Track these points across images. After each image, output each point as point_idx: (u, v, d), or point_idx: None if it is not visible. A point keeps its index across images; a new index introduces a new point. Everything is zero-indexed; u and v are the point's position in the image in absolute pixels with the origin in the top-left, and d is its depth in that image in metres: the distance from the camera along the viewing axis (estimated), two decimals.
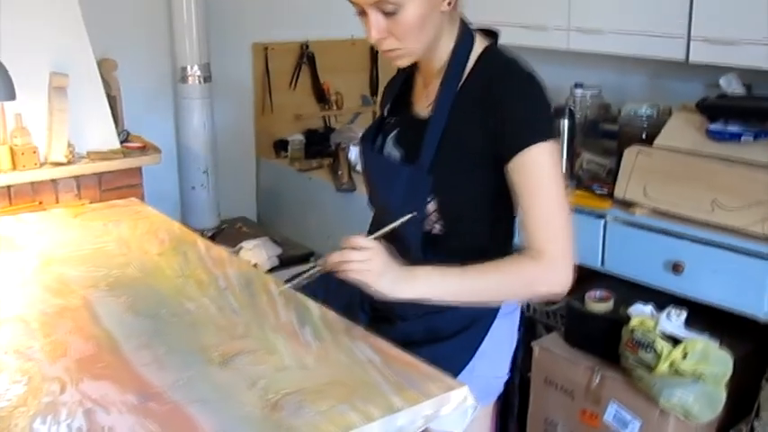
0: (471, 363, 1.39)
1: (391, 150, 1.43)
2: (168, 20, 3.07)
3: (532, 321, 3.01)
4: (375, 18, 1.24)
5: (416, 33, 1.26)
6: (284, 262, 3.12)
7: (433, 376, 1.22)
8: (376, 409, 1.11)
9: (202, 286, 1.62)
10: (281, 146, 3.67)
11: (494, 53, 1.35)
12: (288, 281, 1.40)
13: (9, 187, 2.30)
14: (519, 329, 1.51)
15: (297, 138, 3.62)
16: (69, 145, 2.40)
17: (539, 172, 1.25)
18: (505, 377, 1.49)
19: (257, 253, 2.86)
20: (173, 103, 3.26)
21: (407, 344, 1.33)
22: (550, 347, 2.45)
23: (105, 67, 2.75)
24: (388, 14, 1.23)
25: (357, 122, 3.90)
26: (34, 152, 2.31)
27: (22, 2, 2.36)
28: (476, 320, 1.40)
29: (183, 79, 3.08)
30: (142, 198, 2.58)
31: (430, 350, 1.36)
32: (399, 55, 1.30)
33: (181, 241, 1.92)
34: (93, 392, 1.17)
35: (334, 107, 3.86)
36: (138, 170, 2.60)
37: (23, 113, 2.32)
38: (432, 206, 1.35)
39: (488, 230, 1.40)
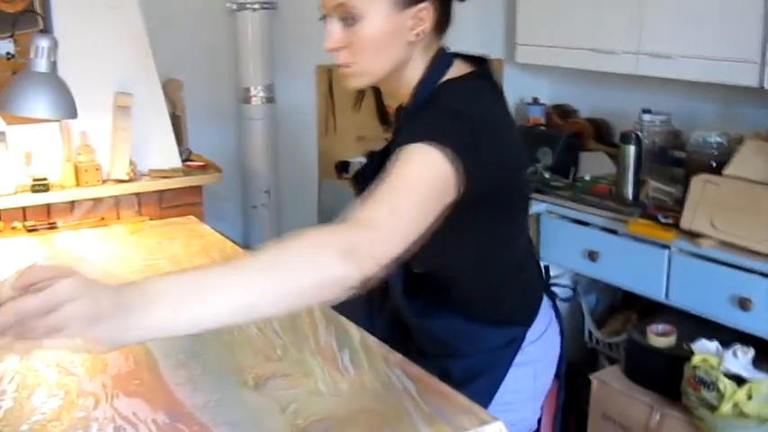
0: (490, 410, 1.33)
1: None
2: (233, 41, 3.13)
3: (594, 352, 2.91)
4: (333, 26, 1.19)
5: (372, 52, 1.19)
6: None
7: (467, 409, 1.17)
8: None
9: None
10: (342, 167, 3.68)
11: (444, 87, 1.23)
12: None
13: (73, 203, 2.37)
14: (559, 364, 1.46)
15: (359, 159, 3.63)
16: (131, 163, 2.46)
17: (403, 160, 1.05)
18: (534, 417, 1.43)
19: None
20: (237, 123, 3.32)
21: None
22: (609, 381, 2.37)
23: (171, 88, 2.82)
24: (347, 24, 1.17)
25: None
26: (97, 169, 2.38)
27: (89, 23, 2.45)
28: (486, 370, 1.33)
29: (247, 100, 3.12)
30: (202, 216, 2.62)
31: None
32: (352, 73, 1.22)
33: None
34: (126, 409, 1.17)
35: None
36: (199, 189, 2.65)
37: (88, 132, 2.40)
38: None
39: (469, 264, 1.31)
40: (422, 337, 1.41)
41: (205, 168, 2.65)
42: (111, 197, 2.44)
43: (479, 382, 1.33)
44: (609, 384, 2.34)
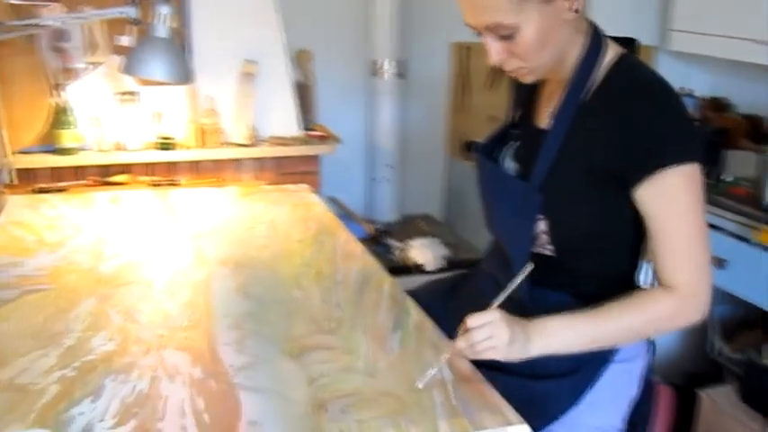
0: (575, 410, 1.27)
1: (509, 164, 1.34)
2: (366, 14, 3.15)
3: (717, 366, 2.70)
4: (492, 42, 1.15)
5: (538, 51, 1.15)
6: (452, 265, 3.07)
7: (495, 408, 1.12)
8: (416, 430, 1.05)
9: (319, 277, 1.64)
10: (470, 147, 3.63)
11: (626, 63, 1.20)
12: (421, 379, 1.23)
13: (196, 162, 2.51)
14: (650, 372, 1.36)
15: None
16: (252, 128, 2.55)
17: (673, 198, 1.13)
18: (620, 422, 1.33)
19: (423, 252, 2.85)
20: (366, 96, 3.35)
21: (511, 373, 1.24)
22: (719, 400, 2.19)
23: (302, 58, 2.89)
24: (505, 38, 1.14)
25: None
26: (219, 132, 2.49)
27: None
28: (582, 366, 1.27)
29: (377, 74, 3.14)
30: (317, 185, 2.68)
31: (530, 386, 1.26)
32: (524, 73, 1.20)
33: (325, 231, 1.96)
34: (170, 360, 1.23)
35: None
36: (316, 158, 2.71)
37: (215, 96, 2.51)
38: (542, 226, 1.24)
39: (607, 257, 1.26)
40: None
41: (324, 139, 2.70)
42: (230, 160, 2.55)
43: (572, 379, 1.28)
44: (718, 404, 2.17)
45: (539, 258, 1.28)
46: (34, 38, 2.28)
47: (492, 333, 1.13)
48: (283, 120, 2.66)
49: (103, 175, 2.41)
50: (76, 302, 1.45)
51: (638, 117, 1.11)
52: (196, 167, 2.52)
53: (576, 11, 1.15)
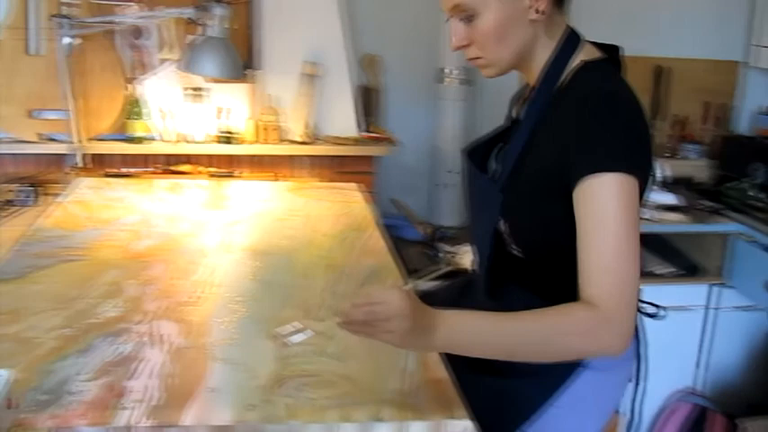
0: (551, 413, 1.28)
1: (491, 165, 1.37)
2: (435, 21, 3.19)
3: None
4: (455, 25, 1.22)
5: (495, 42, 1.20)
6: None
7: (444, 400, 1.16)
8: (360, 414, 1.10)
9: (329, 269, 1.71)
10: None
11: (590, 67, 1.20)
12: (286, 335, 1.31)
13: (253, 157, 2.65)
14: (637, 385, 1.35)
15: None
16: (308, 127, 2.66)
17: (601, 206, 1.08)
18: None
19: (464, 258, 2.87)
20: (432, 101, 3.39)
21: (480, 369, 1.25)
22: None
23: (369, 62, 2.97)
24: (467, 21, 1.20)
25: None
26: (276, 129, 2.62)
27: None
28: (552, 368, 1.24)
29: (442, 80, 3.18)
30: (371, 186, 2.75)
31: (499, 383, 1.29)
32: (483, 65, 1.25)
33: (354, 228, 2.03)
34: (161, 330, 1.34)
35: None
36: (371, 159, 2.78)
37: (275, 94, 2.64)
38: (503, 227, 1.26)
39: (573, 263, 1.26)
40: None
41: (379, 140, 2.78)
42: (287, 156, 2.67)
43: (540, 380, 1.27)
44: None
45: (509, 258, 1.30)
46: (113, 34, 2.48)
47: (390, 315, 1.06)
48: (343, 120, 2.76)
49: (169, 164, 2.58)
50: (100, 273, 1.60)
51: (582, 120, 1.12)
52: (254, 161, 2.65)
53: (542, 12, 1.18)
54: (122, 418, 1.05)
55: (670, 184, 2.87)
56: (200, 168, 2.57)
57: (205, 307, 1.46)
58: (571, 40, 1.23)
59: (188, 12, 2.15)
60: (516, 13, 1.18)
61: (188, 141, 2.57)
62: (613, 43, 1.28)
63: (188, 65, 2.14)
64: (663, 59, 3.17)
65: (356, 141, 2.71)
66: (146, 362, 1.22)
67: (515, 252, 1.28)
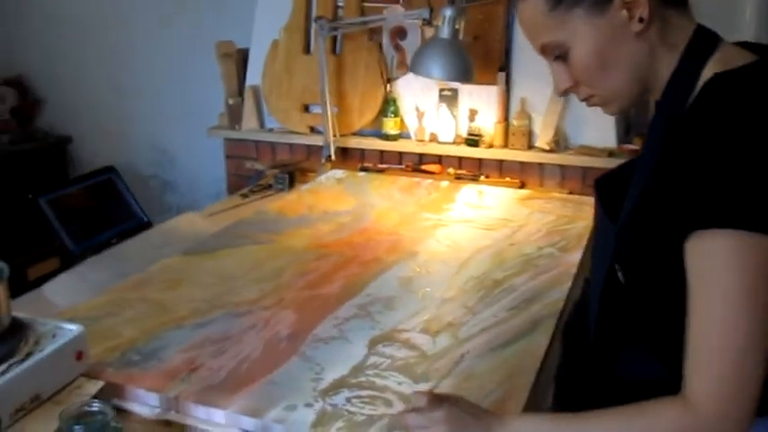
0: None
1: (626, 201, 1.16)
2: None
3: None
4: (554, 67, 1.02)
5: (600, 73, 0.98)
6: None
7: None
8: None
9: (496, 282, 1.63)
10: None
11: (723, 81, 0.91)
12: None
13: (501, 162, 2.58)
14: None
15: None
16: (560, 134, 2.51)
17: (709, 270, 0.85)
18: None
19: None
20: None
21: None
22: None
23: None
24: (563, 60, 1.00)
25: None
26: (525, 135, 2.52)
27: None
28: None
29: None
30: None
31: None
32: (599, 103, 1.03)
33: (561, 246, 1.88)
34: (277, 318, 1.43)
35: None
36: None
37: (529, 99, 2.54)
38: (620, 276, 1.07)
39: None
40: None
41: (636, 153, 2.50)
42: (534, 163, 2.56)
43: None
44: None
45: (624, 311, 1.09)
46: (379, 35, 2.63)
47: (426, 424, 1.01)
48: (600, 130, 2.54)
49: (421, 163, 2.66)
50: (274, 258, 1.74)
51: (696, 157, 0.86)
52: (501, 166, 2.59)
53: (647, 20, 0.95)
54: (175, 390, 1.15)
55: None
56: (448, 170, 2.60)
57: (333, 304, 1.50)
58: (698, 46, 0.97)
59: (423, 13, 2.18)
60: (614, 32, 0.96)
61: (439, 142, 2.62)
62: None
63: (415, 66, 2.18)
64: None
65: (610, 153, 2.48)
66: (240, 344, 1.32)
67: (633, 305, 1.08)
